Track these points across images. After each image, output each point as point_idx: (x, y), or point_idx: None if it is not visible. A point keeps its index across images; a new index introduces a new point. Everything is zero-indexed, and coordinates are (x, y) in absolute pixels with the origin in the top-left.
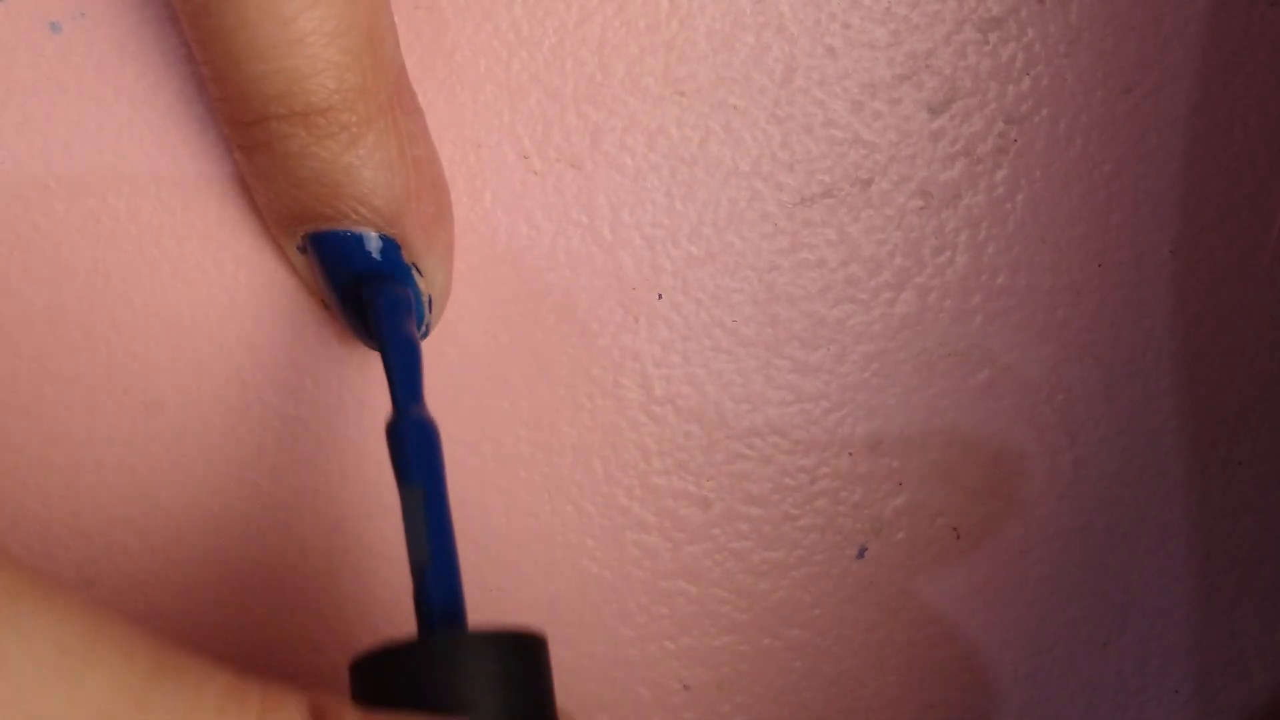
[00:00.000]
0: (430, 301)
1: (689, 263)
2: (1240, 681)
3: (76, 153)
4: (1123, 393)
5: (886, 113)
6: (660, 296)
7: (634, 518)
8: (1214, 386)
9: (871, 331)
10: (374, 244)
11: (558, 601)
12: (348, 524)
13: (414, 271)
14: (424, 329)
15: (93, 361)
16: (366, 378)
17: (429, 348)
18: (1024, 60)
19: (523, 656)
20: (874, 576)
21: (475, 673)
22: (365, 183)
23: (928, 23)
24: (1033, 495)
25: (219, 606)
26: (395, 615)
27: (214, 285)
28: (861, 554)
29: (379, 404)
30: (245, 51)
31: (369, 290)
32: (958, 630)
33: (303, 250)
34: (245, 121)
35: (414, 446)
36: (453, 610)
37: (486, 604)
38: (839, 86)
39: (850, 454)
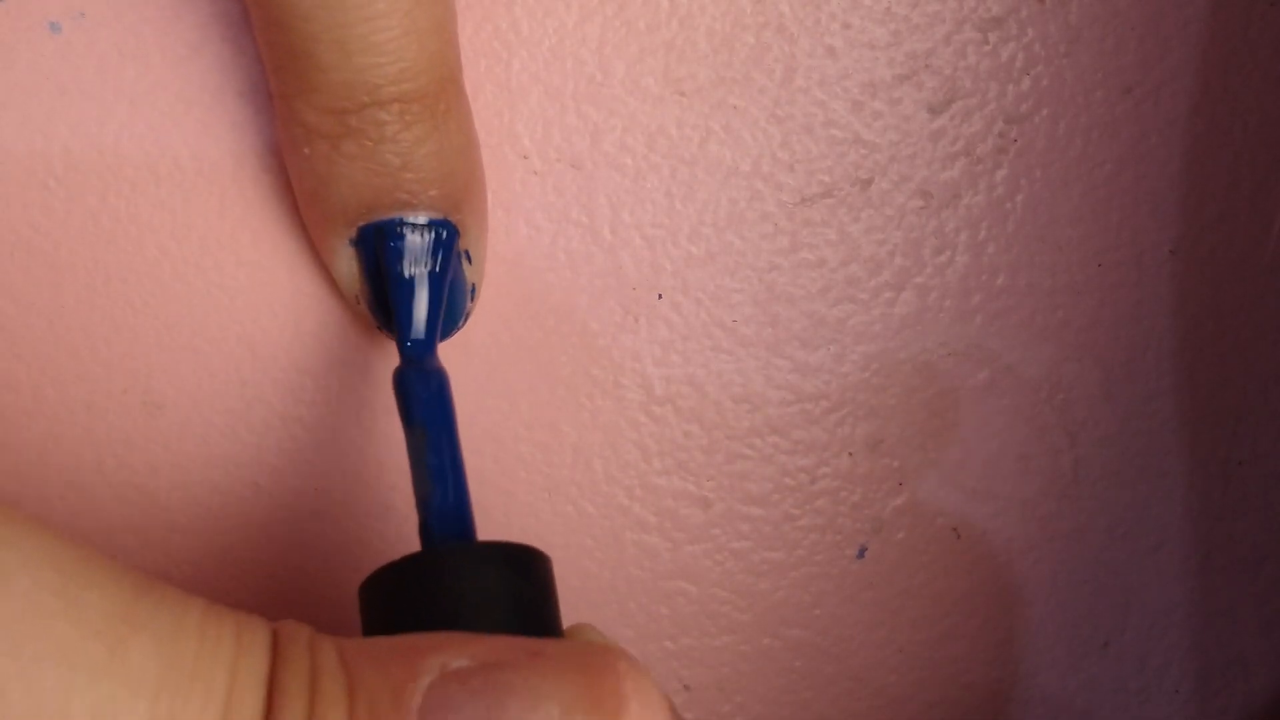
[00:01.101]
0: (473, 290)
1: (689, 263)
2: (1240, 681)
3: (76, 153)
4: (1122, 393)
5: (886, 113)
6: (660, 296)
7: (634, 518)
8: (1214, 386)
9: (871, 331)
10: (433, 229)
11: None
12: (347, 523)
13: (464, 259)
14: (464, 317)
15: (92, 362)
16: (367, 378)
17: None
18: (1024, 60)
19: (525, 568)
20: (874, 576)
21: (474, 583)
22: (443, 167)
23: (928, 23)
24: (1033, 495)
25: None
26: None
27: (214, 286)
28: (862, 554)
29: (379, 404)
30: (361, 44)
31: (384, 239)
32: (958, 630)
33: (354, 243)
34: (343, 110)
35: (414, 391)
36: (457, 533)
37: None
38: (839, 86)
39: (850, 454)
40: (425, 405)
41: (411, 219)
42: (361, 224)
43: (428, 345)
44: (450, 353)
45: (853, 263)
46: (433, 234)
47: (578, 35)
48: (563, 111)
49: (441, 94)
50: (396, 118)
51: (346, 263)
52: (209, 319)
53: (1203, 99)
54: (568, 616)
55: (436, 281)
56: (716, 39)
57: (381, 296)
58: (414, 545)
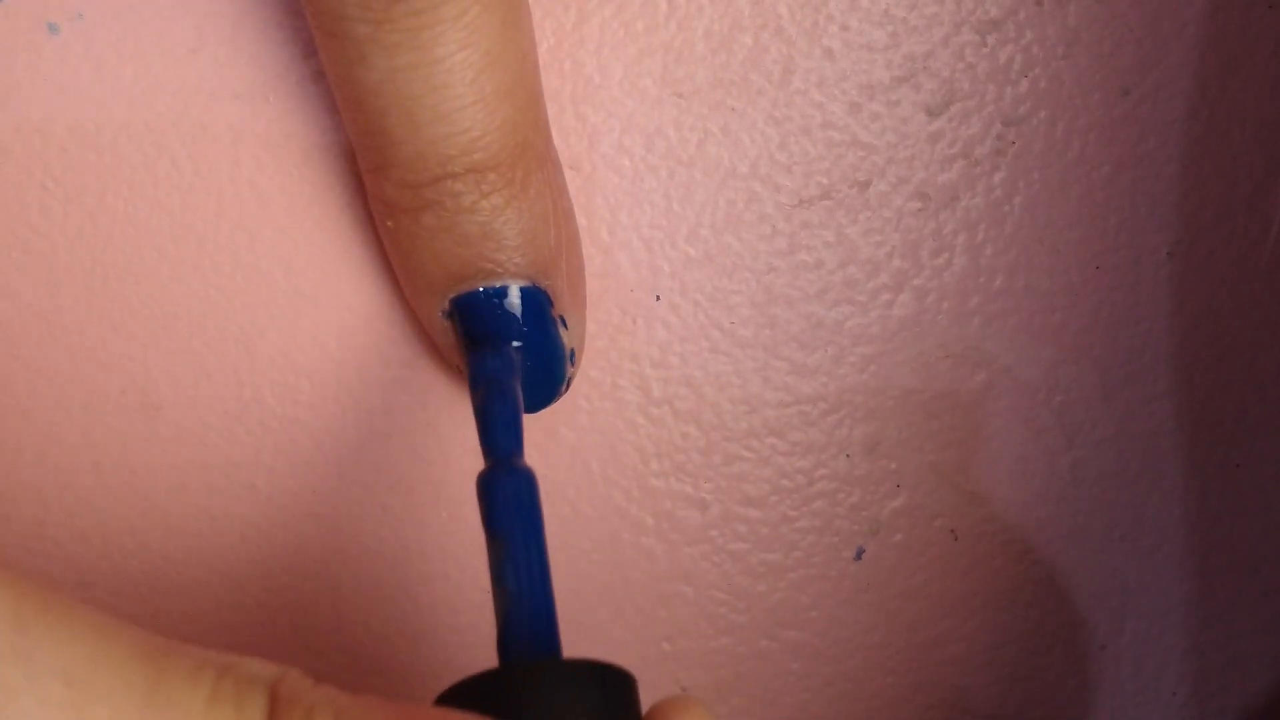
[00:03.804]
0: (572, 354)
1: (687, 264)
2: (1237, 683)
3: (74, 154)
4: (1120, 395)
5: (884, 114)
6: (658, 298)
7: (631, 519)
8: (1212, 389)
9: (869, 333)
10: (524, 297)
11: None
12: (344, 525)
13: (560, 324)
14: (566, 384)
15: (90, 363)
16: (364, 379)
17: (428, 350)
18: (1022, 62)
19: (610, 691)
20: (871, 578)
21: (553, 704)
22: (526, 234)
23: (926, 25)
24: (1030, 497)
25: (215, 608)
26: (392, 617)
27: (211, 287)
28: (859, 556)
29: (375, 406)
30: (429, 115)
31: (474, 351)
32: (955, 632)
33: (448, 315)
34: (418, 183)
35: (498, 498)
36: (539, 652)
37: (485, 606)
38: (837, 88)
39: (848, 455)
40: (509, 514)
41: (500, 287)
42: (453, 295)
43: (513, 446)
44: None
45: (850, 264)
46: (522, 302)
47: (576, 37)
48: (561, 113)
49: (518, 161)
50: (472, 188)
51: (445, 335)
52: (206, 320)
53: (1201, 101)
54: (566, 620)
55: (512, 379)
56: (714, 41)
57: None
58: (411, 548)
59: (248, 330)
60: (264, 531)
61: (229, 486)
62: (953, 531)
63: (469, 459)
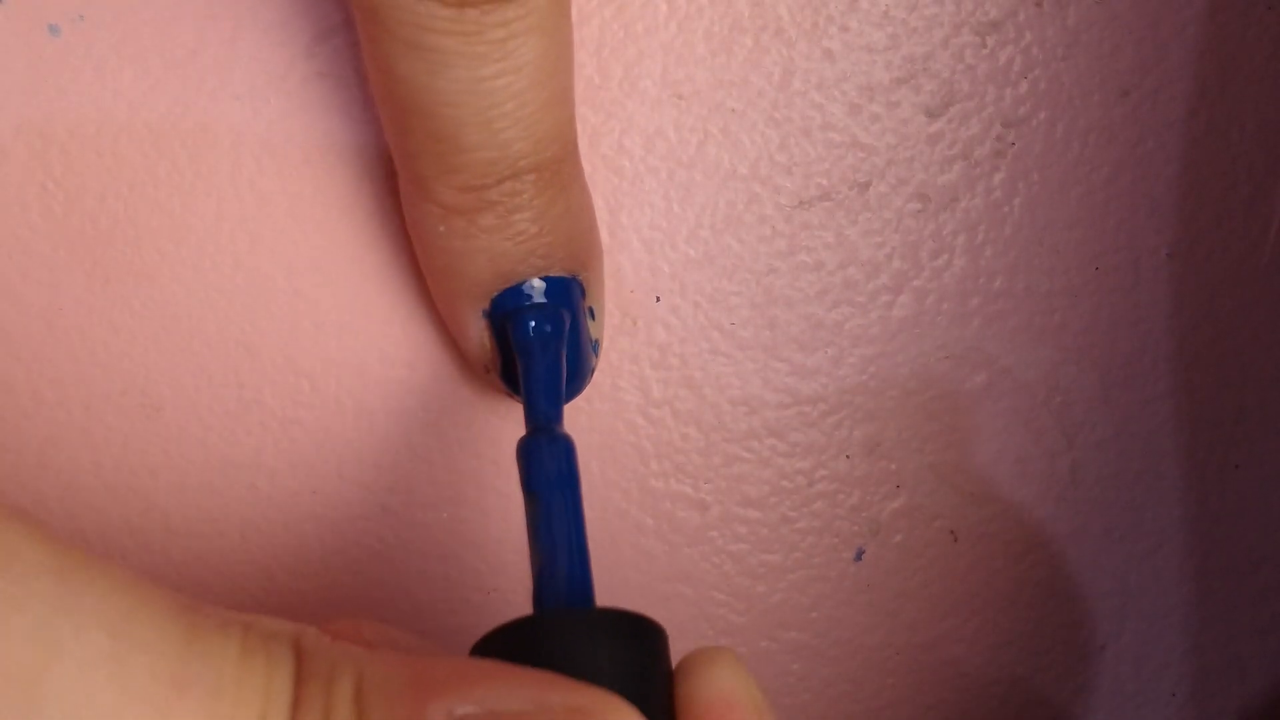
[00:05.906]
0: (596, 346)
1: (687, 265)
2: (1237, 684)
3: (74, 155)
4: (1120, 396)
5: (884, 116)
6: (658, 299)
7: (631, 520)
8: (1211, 390)
9: (869, 334)
10: (563, 289)
11: None
12: (345, 526)
13: (589, 315)
14: (591, 374)
15: (90, 364)
16: (364, 380)
17: (428, 351)
18: (1022, 63)
19: (641, 640)
20: (871, 579)
21: (585, 650)
22: (572, 227)
23: (926, 26)
24: (1030, 498)
25: None
26: (391, 617)
27: (211, 288)
28: (859, 556)
29: (376, 407)
30: (507, 121)
31: (522, 315)
32: (955, 633)
33: (487, 314)
34: (483, 186)
35: (540, 459)
36: (575, 603)
37: (485, 607)
38: (837, 89)
39: (848, 456)
40: (550, 474)
41: (541, 280)
42: (496, 293)
43: (555, 412)
44: (451, 357)
45: (850, 266)
46: (562, 293)
47: (575, 38)
48: None
49: (567, 157)
50: (531, 186)
51: (479, 334)
52: (206, 321)
53: (1200, 102)
54: None
55: (560, 346)
56: (714, 42)
57: (512, 366)
58: (411, 548)
59: (248, 331)
60: (264, 531)
61: (229, 487)
62: (953, 532)
63: (469, 459)
